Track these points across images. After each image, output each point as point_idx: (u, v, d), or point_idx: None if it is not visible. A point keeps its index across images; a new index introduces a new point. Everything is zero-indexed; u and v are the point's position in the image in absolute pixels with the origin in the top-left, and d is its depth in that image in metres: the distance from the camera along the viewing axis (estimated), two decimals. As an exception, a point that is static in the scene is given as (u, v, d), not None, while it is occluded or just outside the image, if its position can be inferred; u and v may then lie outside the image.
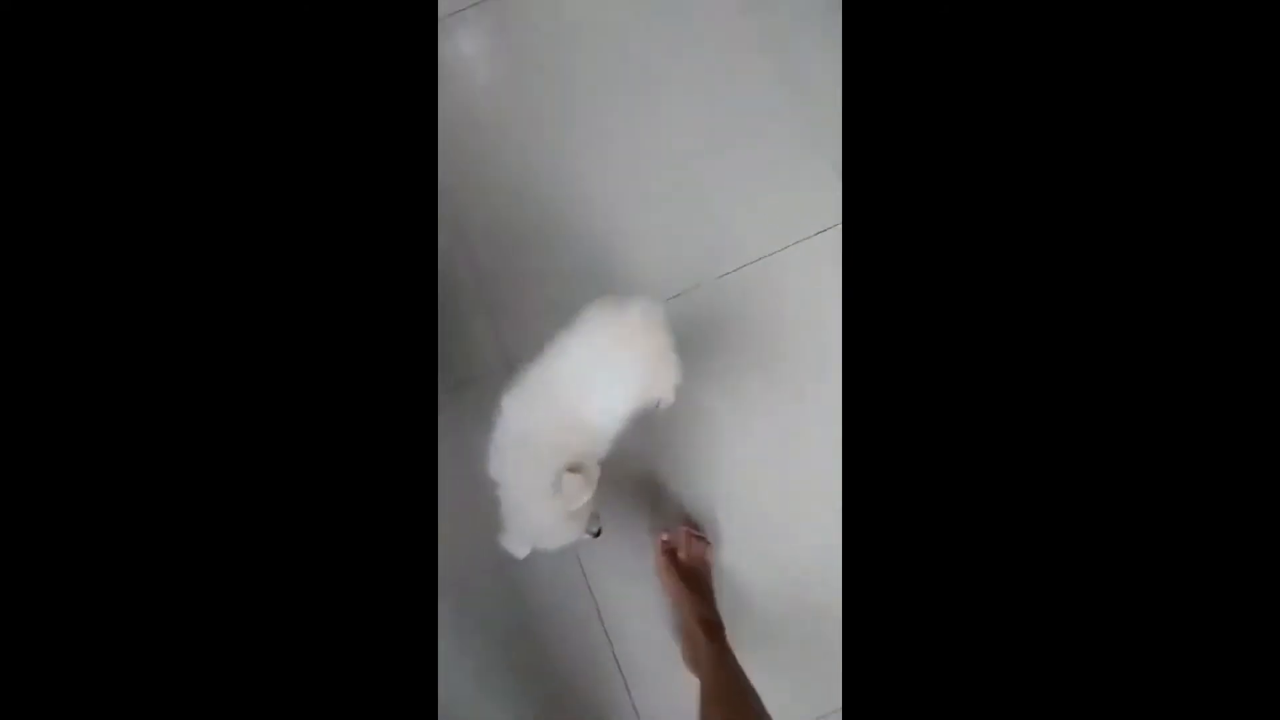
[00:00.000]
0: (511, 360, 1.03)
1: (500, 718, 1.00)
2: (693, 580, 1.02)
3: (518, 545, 0.87)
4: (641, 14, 1.19)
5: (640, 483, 1.08)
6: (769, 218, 1.11)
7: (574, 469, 0.82)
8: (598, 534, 0.91)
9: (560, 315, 0.83)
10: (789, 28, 1.17)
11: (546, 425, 0.83)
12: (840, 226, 1.08)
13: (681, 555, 1.04)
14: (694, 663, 0.98)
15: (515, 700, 1.02)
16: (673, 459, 1.08)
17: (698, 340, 1.04)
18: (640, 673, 1.03)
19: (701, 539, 1.06)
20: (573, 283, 1.08)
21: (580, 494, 0.82)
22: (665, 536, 1.06)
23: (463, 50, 1.22)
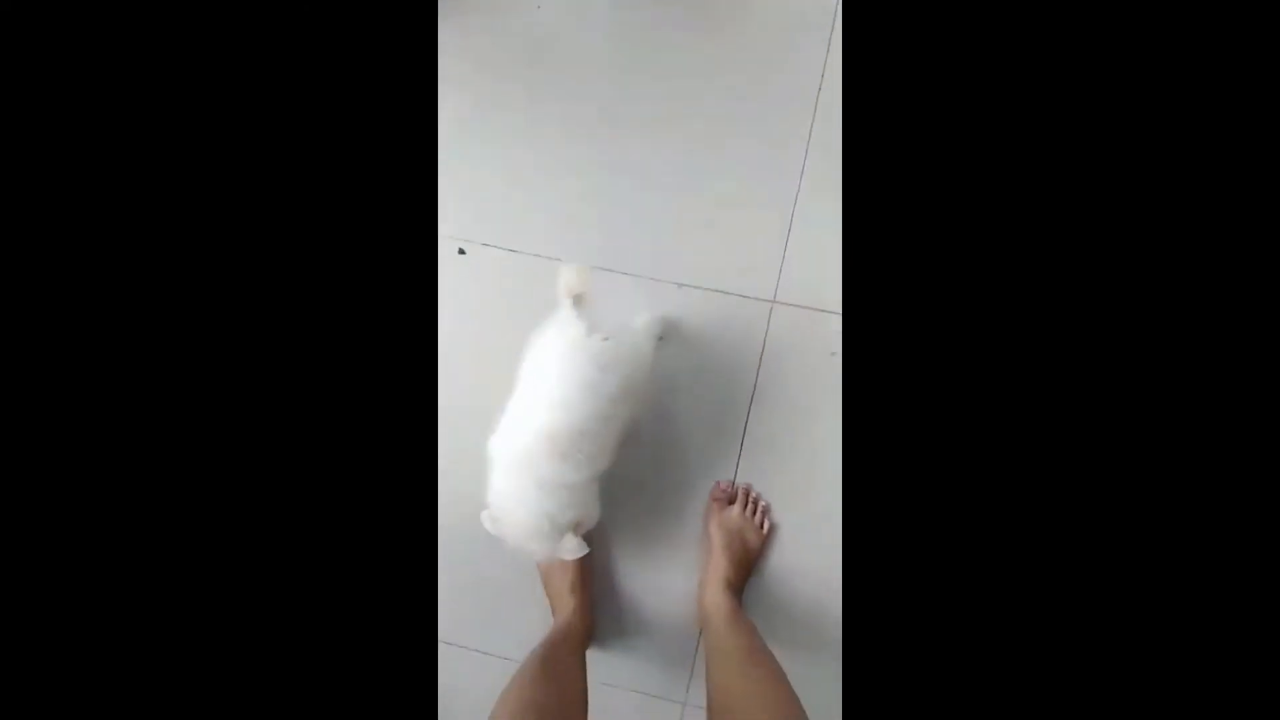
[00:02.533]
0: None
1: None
2: (735, 543, 1.03)
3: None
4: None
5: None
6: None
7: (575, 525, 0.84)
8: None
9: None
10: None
11: (524, 443, 0.83)
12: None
13: (734, 511, 1.04)
14: (705, 621, 0.99)
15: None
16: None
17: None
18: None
19: (764, 511, 1.06)
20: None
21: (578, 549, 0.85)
22: (723, 484, 1.07)
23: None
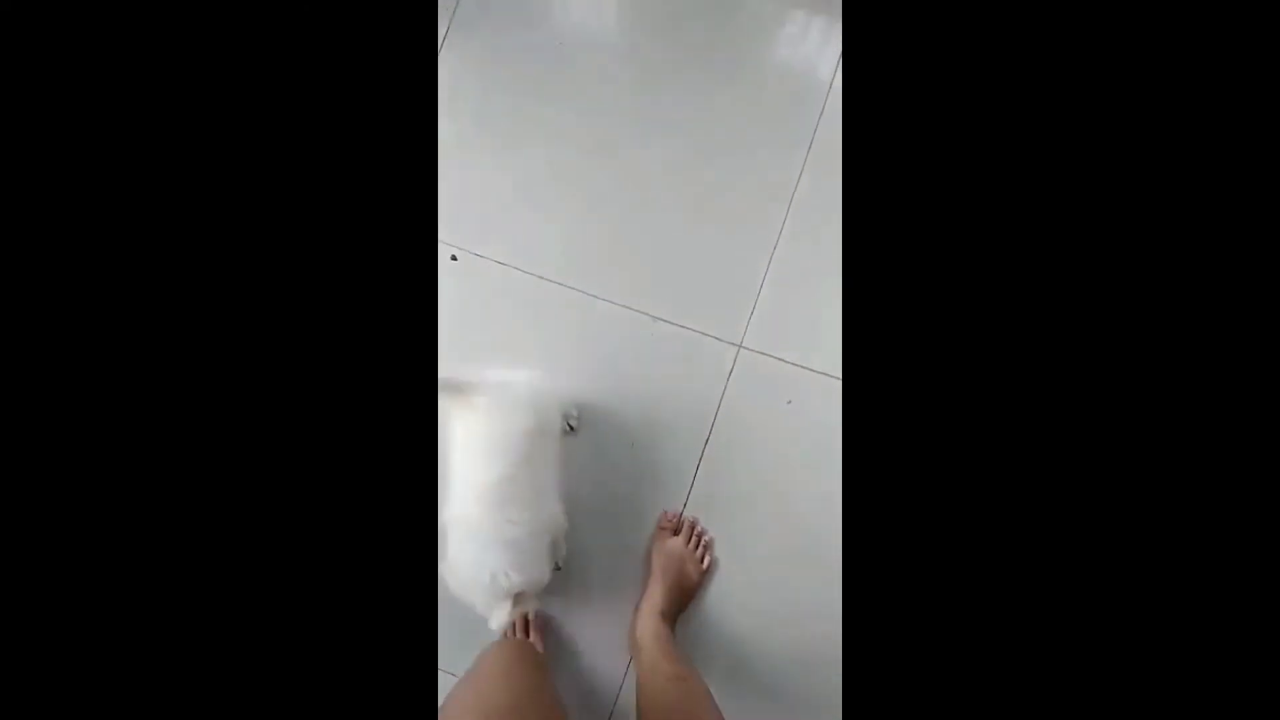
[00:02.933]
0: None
1: None
2: (674, 572, 1.05)
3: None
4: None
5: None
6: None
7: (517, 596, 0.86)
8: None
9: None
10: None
11: (459, 506, 0.87)
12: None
13: (677, 542, 1.07)
14: (636, 647, 1.00)
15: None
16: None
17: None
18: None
19: (706, 546, 1.08)
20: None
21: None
22: (670, 514, 1.09)
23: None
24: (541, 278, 1.15)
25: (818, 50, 1.18)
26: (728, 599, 1.10)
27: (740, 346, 1.13)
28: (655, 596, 1.03)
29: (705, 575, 1.09)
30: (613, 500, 1.12)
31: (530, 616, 1.06)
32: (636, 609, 1.07)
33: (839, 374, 1.11)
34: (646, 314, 1.13)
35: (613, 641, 1.09)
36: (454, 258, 1.15)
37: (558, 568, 0.99)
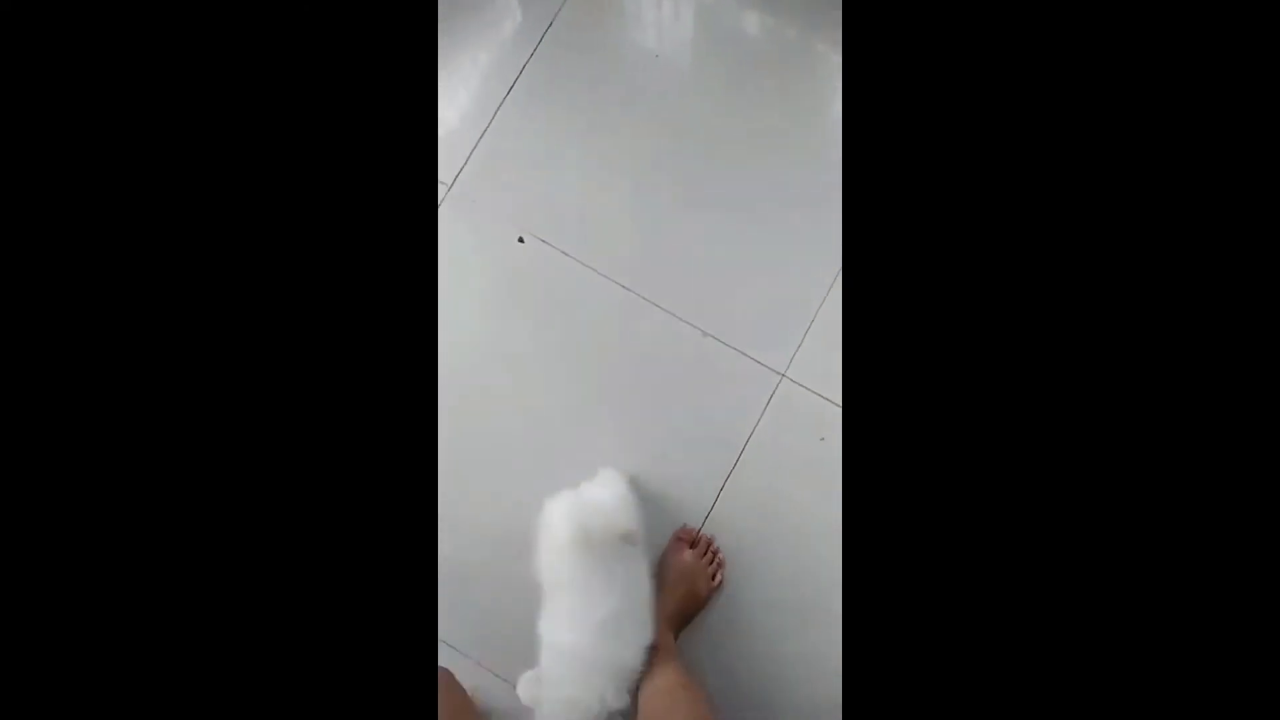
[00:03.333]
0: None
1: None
2: (683, 586, 1.04)
3: None
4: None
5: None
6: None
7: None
8: None
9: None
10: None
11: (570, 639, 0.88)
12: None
13: (690, 555, 1.06)
14: None
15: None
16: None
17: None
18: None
19: (719, 564, 1.08)
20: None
21: None
22: (688, 528, 1.09)
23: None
24: (598, 271, 1.16)
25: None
26: (732, 622, 1.09)
27: (784, 376, 1.14)
28: (664, 607, 1.01)
29: (714, 593, 1.07)
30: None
31: None
32: None
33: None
34: (697, 327, 1.15)
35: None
36: (521, 240, 1.17)
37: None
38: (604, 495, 0.97)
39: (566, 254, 1.17)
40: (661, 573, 1.06)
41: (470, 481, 1.13)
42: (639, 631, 0.89)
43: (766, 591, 1.10)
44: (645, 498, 1.12)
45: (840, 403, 1.13)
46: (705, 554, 1.08)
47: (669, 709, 0.83)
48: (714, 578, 1.07)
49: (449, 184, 1.19)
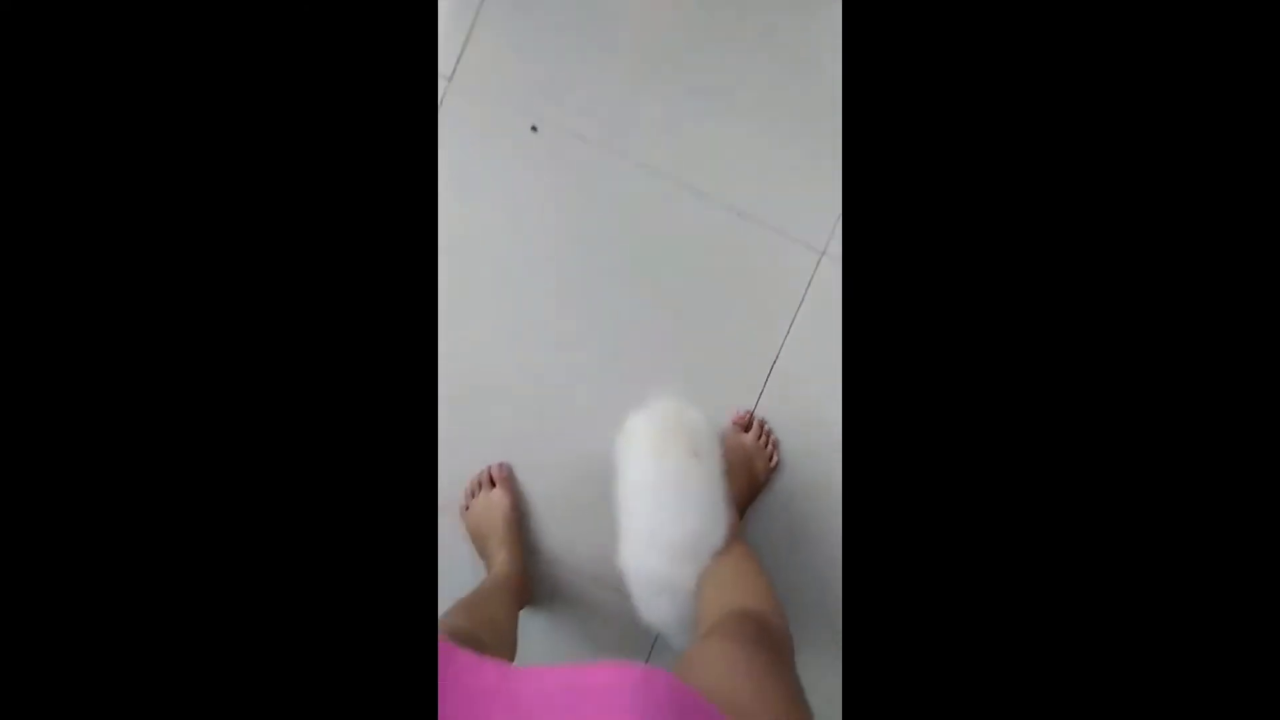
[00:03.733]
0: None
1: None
2: (743, 468, 1.03)
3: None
4: None
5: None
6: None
7: None
8: None
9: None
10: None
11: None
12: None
13: (748, 438, 1.05)
14: None
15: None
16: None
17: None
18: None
19: (775, 444, 1.07)
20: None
21: None
22: (742, 412, 1.07)
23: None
24: (617, 153, 1.10)
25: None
26: (787, 504, 1.08)
27: (823, 254, 1.10)
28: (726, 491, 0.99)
29: (772, 473, 1.07)
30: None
31: None
32: None
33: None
34: (732, 208, 1.09)
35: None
36: (534, 128, 1.09)
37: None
38: (676, 408, 0.93)
39: (585, 139, 1.10)
40: (725, 456, 1.03)
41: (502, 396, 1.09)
42: (716, 537, 0.88)
43: (816, 474, 1.09)
44: (693, 388, 1.09)
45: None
46: (760, 435, 1.06)
47: (733, 581, 0.82)
48: (771, 459, 1.05)
49: (449, 76, 1.10)
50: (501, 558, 1.02)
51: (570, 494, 1.11)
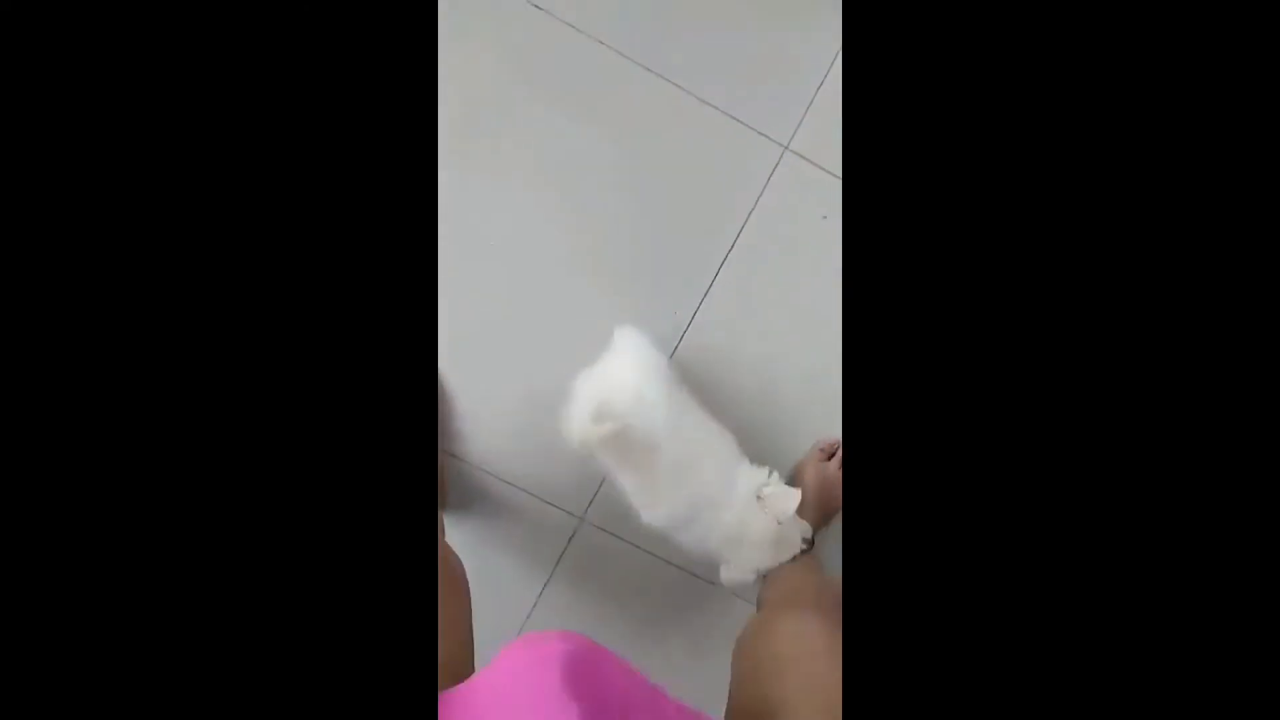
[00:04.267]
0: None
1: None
2: (830, 496, 1.01)
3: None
4: None
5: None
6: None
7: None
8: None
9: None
10: None
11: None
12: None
13: (833, 467, 1.02)
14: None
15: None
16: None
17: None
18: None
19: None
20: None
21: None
22: (828, 441, 1.05)
23: None
24: (599, 41, 1.06)
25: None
26: (724, 409, 1.03)
27: (786, 149, 1.07)
28: (807, 516, 0.97)
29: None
30: (621, 290, 1.04)
31: None
32: None
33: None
34: (694, 95, 1.06)
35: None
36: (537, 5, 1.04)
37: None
38: (625, 379, 0.84)
39: (547, 11, 1.06)
40: (801, 481, 1.01)
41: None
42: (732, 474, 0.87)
43: (760, 373, 1.06)
44: (641, 277, 1.05)
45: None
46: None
47: (798, 589, 0.87)
48: None
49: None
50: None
51: (499, 397, 1.06)
